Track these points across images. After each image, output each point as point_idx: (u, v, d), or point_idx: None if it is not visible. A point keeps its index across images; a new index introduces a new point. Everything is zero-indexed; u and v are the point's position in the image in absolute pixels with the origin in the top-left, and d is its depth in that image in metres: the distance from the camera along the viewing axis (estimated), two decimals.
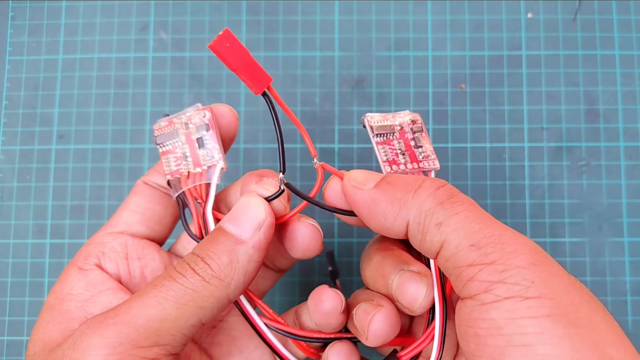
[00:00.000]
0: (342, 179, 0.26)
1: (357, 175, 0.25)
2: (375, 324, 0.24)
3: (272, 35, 0.42)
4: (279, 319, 0.27)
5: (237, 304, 0.26)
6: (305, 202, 0.26)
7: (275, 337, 0.27)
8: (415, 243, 0.24)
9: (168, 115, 0.29)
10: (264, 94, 0.24)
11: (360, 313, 0.25)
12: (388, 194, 0.24)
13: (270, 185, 0.26)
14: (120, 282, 0.27)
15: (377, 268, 0.26)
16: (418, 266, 0.26)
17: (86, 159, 0.42)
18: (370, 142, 0.29)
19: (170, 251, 0.30)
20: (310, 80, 0.42)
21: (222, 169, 0.28)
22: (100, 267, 0.27)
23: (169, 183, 0.28)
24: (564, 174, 0.41)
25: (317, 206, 0.26)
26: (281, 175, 0.26)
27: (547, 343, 0.19)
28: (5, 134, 0.42)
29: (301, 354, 0.28)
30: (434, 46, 0.42)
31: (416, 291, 0.24)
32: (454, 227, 0.22)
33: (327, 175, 0.26)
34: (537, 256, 0.21)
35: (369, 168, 0.41)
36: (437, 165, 0.28)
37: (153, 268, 0.28)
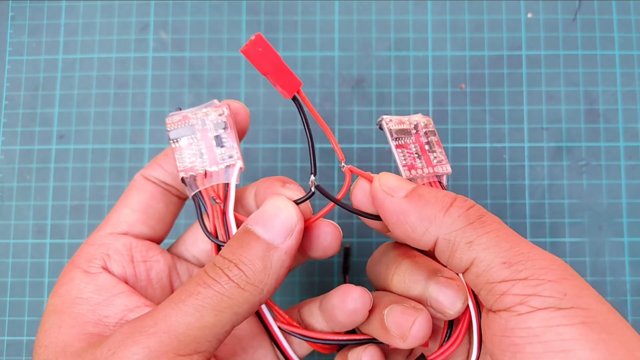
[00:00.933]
0: (370, 181, 0.26)
1: (388, 181, 0.25)
2: (417, 327, 0.25)
3: (272, 35, 0.42)
4: (294, 323, 0.27)
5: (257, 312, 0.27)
6: (331, 203, 0.26)
7: (285, 339, 0.27)
8: (442, 258, 0.24)
9: (181, 109, 0.28)
10: (294, 98, 0.24)
11: (397, 315, 0.25)
12: (419, 207, 0.24)
13: (297, 190, 0.27)
14: (127, 284, 0.27)
15: (409, 273, 0.27)
16: (449, 272, 0.27)
17: (86, 159, 0.42)
18: (386, 144, 0.30)
19: (170, 251, 0.30)
20: (310, 80, 0.42)
21: (240, 168, 0.28)
22: (107, 269, 0.27)
23: (183, 180, 0.27)
24: (564, 174, 0.41)
25: (345, 209, 0.26)
26: (312, 177, 0.26)
27: (585, 348, 0.20)
28: (5, 134, 0.42)
29: (303, 352, 0.28)
30: (434, 46, 0.42)
31: (454, 296, 0.26)
32: (484, 245, 0.23)
33: (353, 178, 0.27)
34: (566, 272, 0.22)
35: (369, 168, 0.41)
36: (449, 169, 0.29)
37: (158, 271, 0.28)
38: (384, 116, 0.28)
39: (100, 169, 0.41)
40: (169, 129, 0.28)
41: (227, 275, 0.23)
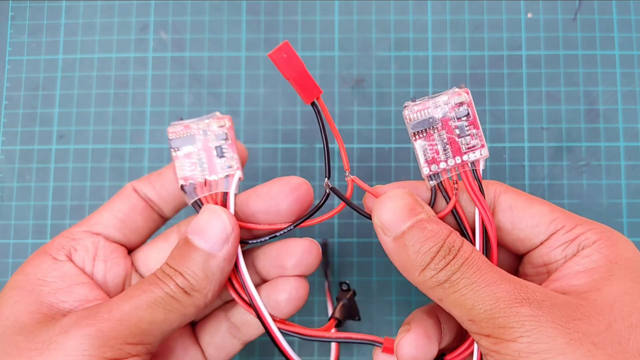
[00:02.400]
0: (376, 196, 0.27)
1: (382, 216, 0.26)
2: (402, 345, 0.27)
3: (272, 35, 0.42)
4: (290, 323, 0.28)
5: (256, 311, 0.28)
6: (342, 203, 0.28)
7: (285, 341, 0.28)
8: None
9: (182, 119, 0.29)
10: (313, 104, 0.26)
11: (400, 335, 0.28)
12: (401, 259, 0.25)
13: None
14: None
15: None
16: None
17: (86, 159, 0.42)
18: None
19: (133, 265, 0.31)
20: None
21: (239, 178, 0.29)
22: (70, 260, 0.28)
23: (182, 188, 0.29)
24: (564, 174, 0.41)
25: (356, 210, 0.27)
26: (327, 180, 0.27)
27: None
28: (5, 134, 0.42)
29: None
30: (434, 46, 0.42)
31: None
32: (453, 304, 0.24)
33: (356, 187, 0.28)
34: (526, 326, 0.22)
35: (369, 168, 0.41)
36: (484, 153, 0.27)
37: (115, 274, 0.29)
38: (407, 103, 0.27)
39: (100, 169, 0.42)
40: (170, 137, 0.29)
41: (174, 281, 0.25)
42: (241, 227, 0.28)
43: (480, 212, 0.27)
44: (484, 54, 0.42)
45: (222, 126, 0.29)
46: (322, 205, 0.27)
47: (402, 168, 0.41)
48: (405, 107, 0.27)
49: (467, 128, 0.27)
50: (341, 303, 0.33)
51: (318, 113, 0.26)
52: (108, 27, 0.43)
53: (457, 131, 0.27)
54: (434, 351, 0.27)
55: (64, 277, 0.27)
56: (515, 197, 0.28)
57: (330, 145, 0.41)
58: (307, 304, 0.40)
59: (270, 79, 0.42)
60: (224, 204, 0.28)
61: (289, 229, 0.28)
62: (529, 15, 0.42)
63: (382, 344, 0.28)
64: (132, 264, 0.31)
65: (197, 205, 0.28)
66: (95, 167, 0.42)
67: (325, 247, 0.39)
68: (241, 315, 0.31)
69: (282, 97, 0.42)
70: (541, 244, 0.27)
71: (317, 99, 0.26)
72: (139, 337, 0.24)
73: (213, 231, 0.26)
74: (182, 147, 0.29)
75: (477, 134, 0.27)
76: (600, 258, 0.25)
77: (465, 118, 0.26)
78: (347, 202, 0.27)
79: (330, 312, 0.38)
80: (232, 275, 0.28)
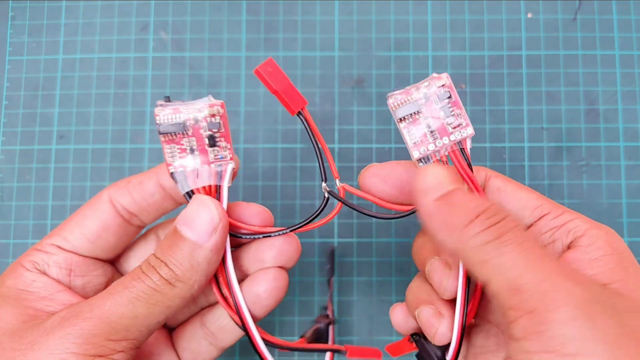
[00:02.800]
0: (371, 200, 0.28)
1: (426, 178, 0.25)
2: (440, 331, 0.27)
3: (272, 35, 0.42)
4: (272, 337, 0.28)
5: (246, 331, 0.27)
6: (339, 204, 0.28)
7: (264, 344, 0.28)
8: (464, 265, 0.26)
9: (169, 98, 0.27)
10: (299, 114, 0.27)
11: (427, 316, 0.28)
12: (444, 215, 0.24)
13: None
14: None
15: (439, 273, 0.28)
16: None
17: (86, 159, 0.42)
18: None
19: (115, 265, 0.31)
20: (310, 80, 0.42)
21: (233, 169, 0.28)
22: (45, 274, 0.28)
23: (172, 176, 0.27)
24: (564, 174, 0.41)
25: (352, 209, 0.28)
26: (324, 184, 0.28)
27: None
28: (5, 134, 0.42)
29: None
30: (434, 46, 0.42)
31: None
32: (497, 269, 0.22)
33: (347, 195, 0.28)
34: (578, 308, 0.20)
35: None
36: (470, 131, 0.27)
37: (95, 284, 0.29)
38: (390, 93, 0.28)
39: (100, 169, 0.42)
40: (158, 121, 0.26)
41: (158, 274, 0.25)
42: (232, 226, 0.28)
43: (470, 189, 0.27)
44: (484, 54, 0.42)
45: (214, 115, 0.27)
46: (323, 209, 0.28)
47: None
48: (388, 97, 0.28)
49: (451, 109, 0.27)
50: (317, 326, 0.33)
51: (307, 121, 0.27)
52: (108, 27, 0.43)
53: (442, 113, 0.27)
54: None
55: (45, 287, 0.27)
56: (504, 181, 0.28)
57: (331, 146, 0.41)
58: (308, 304, 0.40)
59: None
60: (219, 198, 0.27)
61: (283, 232, 0.28)
62: (529, 15, 0.42)
63: (346, 351, 0.30)
64: (115, 266, 0.30)
65: (189, 196, 0.27)
66: (95, 167, 0.42)
67: (332, 254, 0.39)
68: (216, 320, 0.30)
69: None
70: (528, 228, 0.27)
71: (302, 109, 0.27)
72: (123, 333, 0.24)
73: (201, 221, 0.26)
74: (172, 132, 0.27)
75: (460, 114, 0.27)
76: (605, 246, 0.24)
77: (447, 100, 0.27)
78: (346, 203, 0.28)
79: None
80: (218, 270, 0.28)
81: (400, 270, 0.40)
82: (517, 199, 0.27)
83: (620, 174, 0.41)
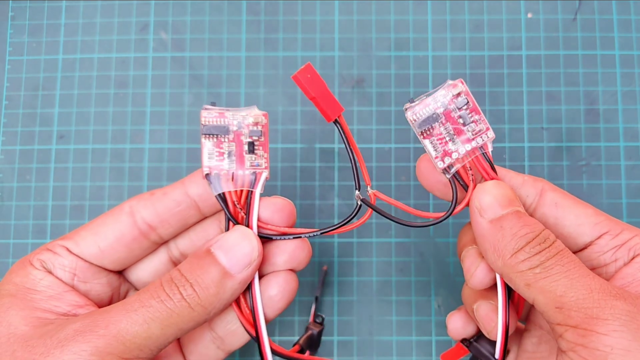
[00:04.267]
0: (400, 207, 0.28)
1: (483, 198, 0.26)
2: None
3: (272, 35, 0.42)
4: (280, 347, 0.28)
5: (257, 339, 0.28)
6: (370, 210, 0.28)
7: None
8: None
9: (214, 103, 0.28)
10: (335, 121, 0.27)
11: (485, 311, 0.29)
12: (495, 239, 0.25)
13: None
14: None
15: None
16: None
17: (86, 159, 0.42)
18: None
19: (122, 274, 0.31)
20: None
21: (266, 177, 0.28)
22: (52, 274, 0.28)
23: (207, 177, 0.28)
24: (564, 174, 0.41)
25: (384, 216, 0.28)
26: (357, 192, 0.28)
27: None
28: (5, 134, 0.42)
29: None
30: (434, 46, 0.42)
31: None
32: (540, 290, 0.24)
33: (378, 202, 0.28)
34: (620, 320, 0.22)
35: (369, 168, 0.41)
36: (490, 135, 0.28)
37: (99, 292, 0.29)
38: (406, 105, 0.28)
39: (100, 169, 0.42)
40: (203, 122, 0.28)
41: (180, 294, 0.25)
42: (264, 229, 0.28)
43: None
44: (484, 54, 0.42)
45: (257, 123, 0.28)
46: (354, 216, 0.28)
47: (402, 168, 0.41)
48: (406, 109, 0.28)
49: (470, 115, 0.27)
50: (310, 333, 0.33)
51: (342, 128, 0.27)
52: (108, 27, 0.43)
53: (461, 120, 0.27)
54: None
55: (52, 286, 0.27)
56: (561, 195, 0.28)
57: (331, 146, 0.41)
58: (307, 304, 0.40)
59: (270, 79, 0.42)
60: (250, 204, 0.28)
61: (314, 234, 0.28)
62: (529, 15, 0.42)
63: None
64: (122, 274, 0.30)
65: (220, 198, 0.28)
66: (95, 167, 0.42)
67: (324, 275, 0.40)
68: (225, 325, 0.30)
69: (282, 97, 0.42)
70: (587, 246, 0.27)
71: (338, 117, 0.26)
72: (135, 352, 0.24)
73: (240, 251, 0.26)
74: (214, 135, 0.28)
75: (479, 119, 0.28)
76: None
77: (465, 107, 0.27)
78: (378, 211, 0.28)
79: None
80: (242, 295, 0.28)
81: (400, 270, 0.40)
82: (575, 214, 0.28)
83: (620, 174, 0.41)
